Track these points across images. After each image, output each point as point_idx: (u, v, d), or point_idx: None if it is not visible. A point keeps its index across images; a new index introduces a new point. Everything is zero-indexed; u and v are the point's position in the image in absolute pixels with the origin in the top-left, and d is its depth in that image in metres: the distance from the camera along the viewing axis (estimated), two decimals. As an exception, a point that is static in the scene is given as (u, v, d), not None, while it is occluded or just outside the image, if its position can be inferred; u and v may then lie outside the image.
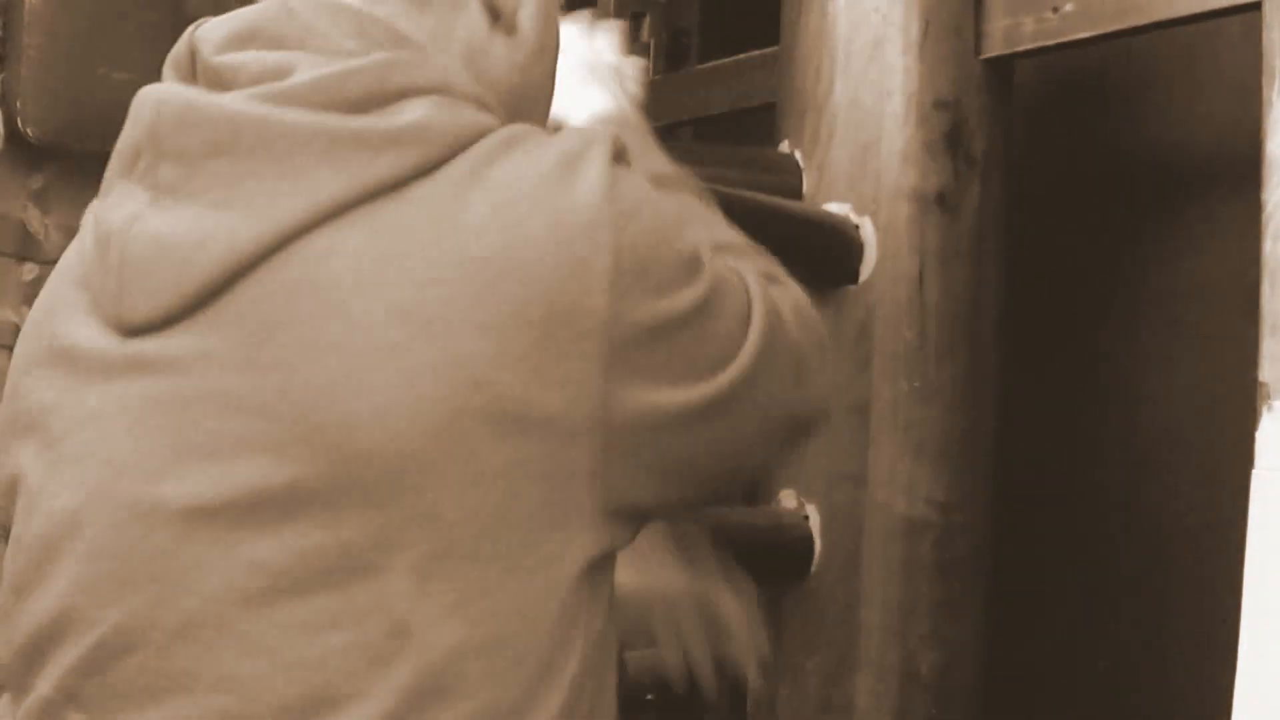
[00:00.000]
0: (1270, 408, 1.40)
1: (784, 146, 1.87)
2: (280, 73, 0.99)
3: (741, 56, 2.15)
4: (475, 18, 1.10)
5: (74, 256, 1.09)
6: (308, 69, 0.98)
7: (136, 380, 0.97)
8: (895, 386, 1.75)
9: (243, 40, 1.02)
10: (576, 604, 0.97)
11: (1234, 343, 1.75)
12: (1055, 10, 1.71)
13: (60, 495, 1.00)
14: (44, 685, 0.99)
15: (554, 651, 0.97)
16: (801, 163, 1.83)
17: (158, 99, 1.01)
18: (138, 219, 0.98)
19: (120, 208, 1.01)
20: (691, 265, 1.00)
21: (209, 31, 1.04)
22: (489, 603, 0.94)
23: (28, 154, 2.04)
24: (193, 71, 1.04)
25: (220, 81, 1.01)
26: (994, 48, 1.78)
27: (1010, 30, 1.76)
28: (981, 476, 1.81)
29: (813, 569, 1.78)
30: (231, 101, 0.98)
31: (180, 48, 1.06)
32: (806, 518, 1.78)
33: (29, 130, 2.03)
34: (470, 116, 0.99)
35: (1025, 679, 2.06)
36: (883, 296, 1.76)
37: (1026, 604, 2.04)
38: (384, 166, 0.95)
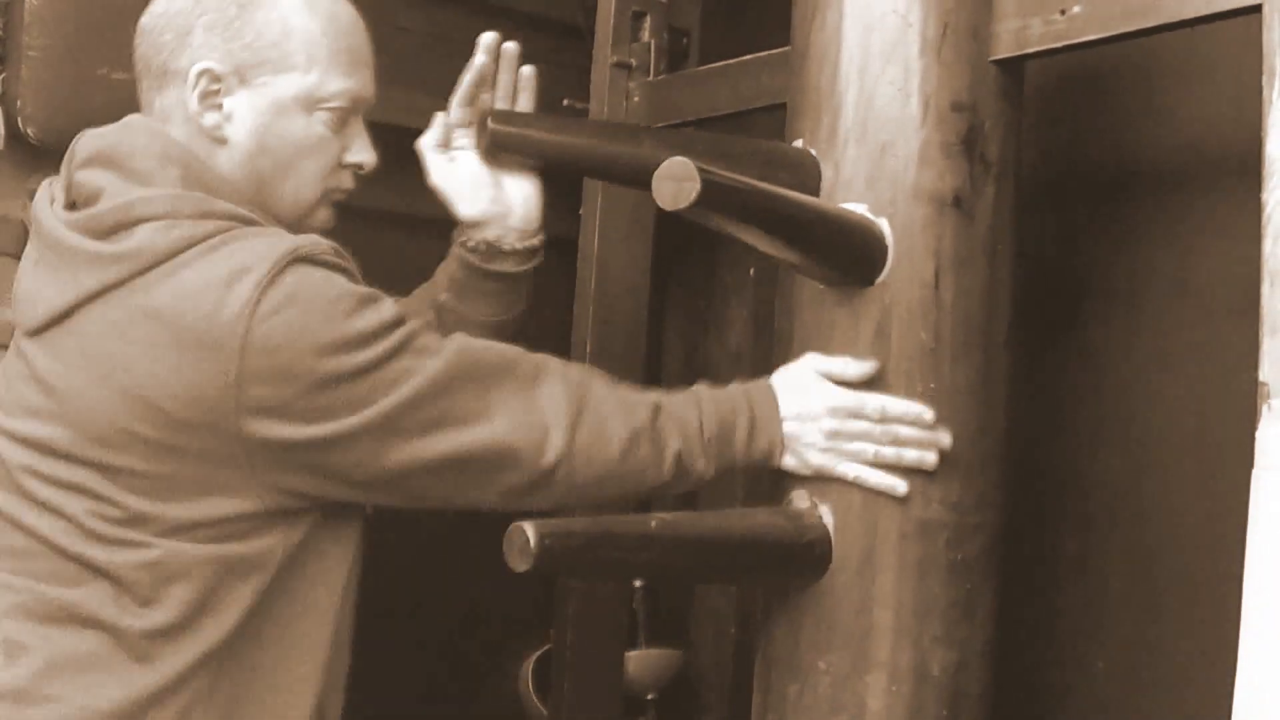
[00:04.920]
0: (1270, 408, 1.40)
1: (796, 145, 1.85)
2: (94, 198, 1.60)
3: (747, 57, 2.14)
4: (200, 139, 1.65)
5: None
6: (104, 200, 1.58)
7: (14, 361, 1.65)
8: (910, 387, 1.75)
9: (91, 159, 1.63)
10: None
11: (1234, 343, 1.75)
12: (1063, 12, 1.71)
13: None
14: None
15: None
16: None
17: (38, 210, 1.66)
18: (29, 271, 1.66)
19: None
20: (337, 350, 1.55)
21: (81, 148, 1.64)
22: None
23: (28, 154, 2.04)
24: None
25: (74, 192, 1.64)
26: (1002, 49, 1.77)
27: (1019, 32, 1.75)
28: (994, 477, 1.80)
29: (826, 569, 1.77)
30: (57, 224, 1.61)
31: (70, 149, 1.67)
32: (821, 518, 1.78)
33: (29, 130, 2.04)
34: (185, 230, 1.54)
35: (1035, 680, 2.06)
36: (898, 298, 1.76)
37: (1032, 605, 2.04)
38: (118, 271, 1.54)
